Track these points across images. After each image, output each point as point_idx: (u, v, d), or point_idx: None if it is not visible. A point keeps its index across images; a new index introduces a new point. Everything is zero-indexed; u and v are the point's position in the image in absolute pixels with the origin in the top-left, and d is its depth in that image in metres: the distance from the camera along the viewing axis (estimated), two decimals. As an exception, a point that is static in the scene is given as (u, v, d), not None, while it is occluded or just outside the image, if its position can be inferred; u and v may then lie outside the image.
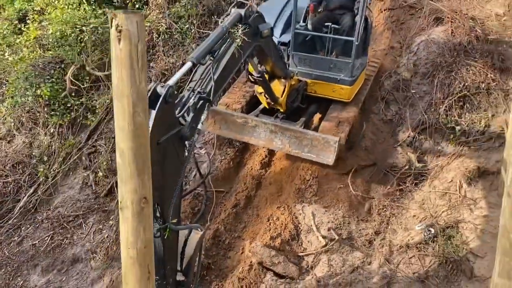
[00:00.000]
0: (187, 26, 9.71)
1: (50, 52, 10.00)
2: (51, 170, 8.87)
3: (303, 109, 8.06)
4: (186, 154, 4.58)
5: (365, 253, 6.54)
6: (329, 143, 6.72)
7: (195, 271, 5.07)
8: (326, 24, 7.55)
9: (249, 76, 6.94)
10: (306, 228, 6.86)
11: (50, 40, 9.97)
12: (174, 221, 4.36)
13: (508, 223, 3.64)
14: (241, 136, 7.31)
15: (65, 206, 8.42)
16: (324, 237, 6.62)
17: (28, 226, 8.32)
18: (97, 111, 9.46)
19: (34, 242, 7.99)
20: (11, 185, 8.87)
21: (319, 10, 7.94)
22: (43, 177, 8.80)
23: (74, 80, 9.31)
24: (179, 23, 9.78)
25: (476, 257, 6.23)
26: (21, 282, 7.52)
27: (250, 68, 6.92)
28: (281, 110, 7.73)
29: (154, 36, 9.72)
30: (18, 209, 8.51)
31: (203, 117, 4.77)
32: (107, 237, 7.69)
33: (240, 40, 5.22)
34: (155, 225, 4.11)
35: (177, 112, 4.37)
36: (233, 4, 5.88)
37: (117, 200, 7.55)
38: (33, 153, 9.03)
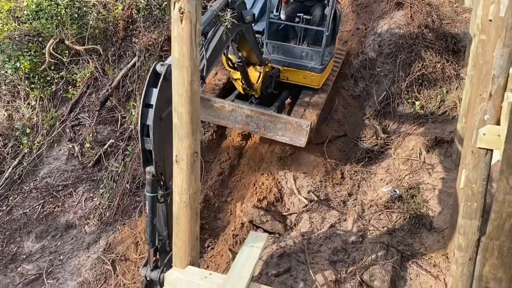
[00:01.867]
0: (165, 2, 10.02)
1: (26, 25, 10.01)
2: (35, 142, 9.05)
3: (276, 95, 8.54)
4: None
5: (340, 212, 7.43)
6: (301, 126, 7.31)
7: None
8: (298, 14, 8.04)
9: (228, 62, 7.31)
10: (288, 192, 7.65)
11: (25, 13, 9.96)
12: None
13: (471, 175, 4.56)
14: (219, 120, 7.76)
15: (52, 177, 8.69)
16: (305, 198, 7.44)
17: (16, 196, 8.53)
18: (77, 85, 9.66)
19: (24, 211, 8.25)
20: (-6, 157, 8.98)
21: (291, 1, 8.37)
22: (27, 149, 8.97)
23: (54, 53, 9.43)
24: (158, -1, 10.07)
25: (434, 213, 7.28)
26: (15, 249, 7.81)
27: (231, 55, 7.26)
28: (256, 96, 8.21)
29: (133, 12, 9.96)
30: (4, 180, 8.67)
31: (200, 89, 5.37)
32: (99, 204, 8.10)
33: (229, 23, 5.67)
34: (159, 192, 4.56)
35: None
36: None
37: (106, 170, 7.99)
38: (15, 126, 9.15)
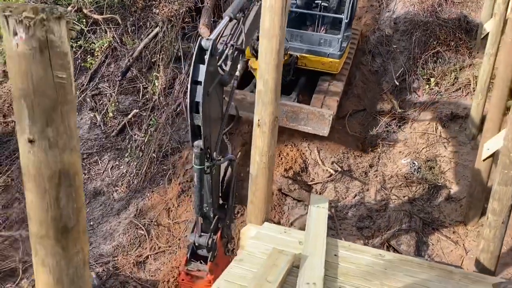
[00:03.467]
0: (184, -27, 10.01)
1: (41, -8, 9.89)
2: (56, 110, 9.09)
3: (294, 82, 8.53)
4: (226, 98, 5.15)
5: (363, 182, 7.79)
6: (324, 116, 7.37)
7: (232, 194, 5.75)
8: (316, 1, 7.97)
9: (253, 51, 7.30)
10: (312, 162, 7.95)
11: (41, -20, 9.84)
12: (220, 157, 5.02)
13: (509, 145, 4.90)
14: (240, 112, 7.57)
15: (76, 145, 8.78)
16: (330, 169, 7.75)
17: (39, 163, 8.62)
18: (95, 54, 9.66)
19: (51, 178, 8.36)
20: (11, 124, 9.00)
21: None
22: (49, 117, 9.02)
23: (77, 22, 9.39)
24: (175, -30, 10.04)
25: (451, 183, 7.70)
26: (44, 214, 7.96)
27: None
28: None
29: (152, -18, 9.93)
30: (26, 147, 8.73)
31: (239, 66, 5.36)
32: (126, 172, 8.27)
33: None
34: (206, 163, 4.69)
35: (217, 59, 4.76)
36: None
37: (130, 139, 8.09)
38: (36, 94, 9.16)
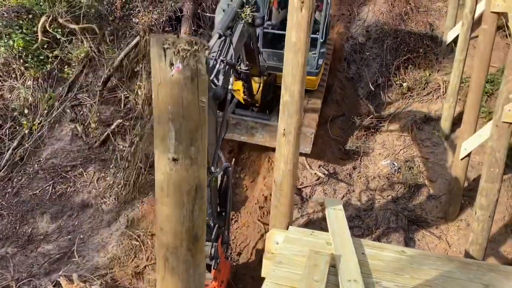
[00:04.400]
0: (160, -17, 10.05)
1: (12, 0, 9.62)
2: (35, 123, 8.86)
3: (273, 100, 8.50)
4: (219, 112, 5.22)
5: (348, 184, 8.15)
6: (305, 134, 7.54)
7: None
8: None
9: (238, 69, 7.17)
10: (300, 167, 8.21)
11: (11, -12, 9.57)
12: (218, 169, 5.12)
13: (495, 145, 5.37)
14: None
15: (58, 157, 8.60)
16: (319, 172, 8.06)
17: (20, 178, 8.38)
18: (73, 64, 9.50)
19: (34, 192, 8.15)
20: (-10, 139, 8.70)
21: (281, 7, 8.37)
22: (27, 130, 8.78)
23: (51, 31, 9.21)
24: (152, -21, 10.06)
25: (430, 182, 8.21)
26: (30, 230, 7.75)
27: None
28: (257, 105, 8.28)
29: (128, -9, 9.90)
30: (5, 162, 8.47)
31: (231, 79, 5.34)
32: (112, 183, 8.19)
33: (250, 17, 5.85)
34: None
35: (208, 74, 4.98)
36: None
37: (114, 150, 8.06)
38: (12, 106, 8.89)
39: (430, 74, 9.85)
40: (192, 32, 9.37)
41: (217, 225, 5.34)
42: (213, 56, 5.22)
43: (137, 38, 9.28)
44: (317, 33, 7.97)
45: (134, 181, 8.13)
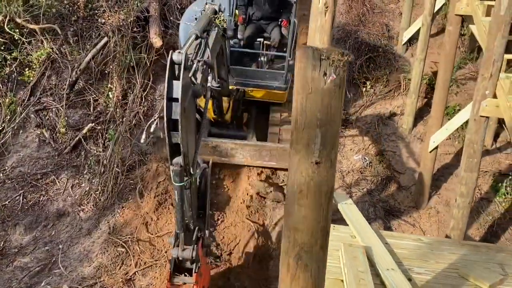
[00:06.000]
0: (123, -19, 9.80)
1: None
2: (-4, 129, 8.36)
3: (247, 113, 8.71)
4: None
5: (325, 179, 8.46)
6: (286, 151, 7.47)
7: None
8: (258, 39, 8.10)
9: (210, 86, 7.27)
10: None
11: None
12: (197, 170, 5.06)
13: (473, 137, 5.88)
14: (203, 157, 7.41)
15: (25, 165, 8.18)
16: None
17: (-16, 188, 7.88)
18: (33, 67, 9.04)
19: (3, 203, 7.69)
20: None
21: (246, 22, 8.37)
22: (-12, 137, 8.26)
23: (10, 32, 8.71)
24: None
25: (400, 174, 8.74)
26: (2, 243, 7.32)
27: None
28: (228, 122, 8.20)
29: (90, -10, 9.58)
30: (-34, 172, 7.93)
31: (209, 78, 5.41)
32: (88, 189, 7.92)
33: (224, 23, 5.95)
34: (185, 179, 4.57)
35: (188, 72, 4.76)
36: (206, 2, 6.30)
37: (86, 155, 7.83)
38: (-30, 112, 8.32)
39: (390, 72, 10.42)
40: (162, 33, 9.25)
41: (197, 228, 5.31)
42: (189, 57, 5.08)
43: (105, 39, 9.01)
44: (285, 49, 8.05)
45: (112, 186, 7.91)
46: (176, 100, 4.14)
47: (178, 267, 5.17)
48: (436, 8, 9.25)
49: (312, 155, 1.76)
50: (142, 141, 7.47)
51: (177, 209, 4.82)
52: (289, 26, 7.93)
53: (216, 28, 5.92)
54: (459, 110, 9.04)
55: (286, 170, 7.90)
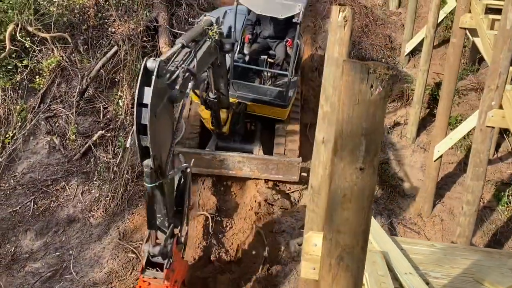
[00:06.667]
0: (133, -8, 9.98)
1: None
2: (7, 136, 8.45)
3: (252, 127, 8.89)
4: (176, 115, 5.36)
5: (331, 187, 8.60)
6: (293, 164, 7.86)
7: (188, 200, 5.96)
8: (262, 56, 8.29)
9: (206, 98, 7.33)
10: (286, 172, 8.53)
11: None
12: (171, 172, 5.20)
13: (479, 147, 6.03)
14: (211, 170, 7.90)
15: (36, 171, 8.26)
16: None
17: (-5, 194, 7.96)
18: (44, 74, 9.16)
19: (14, 209, 7.77)
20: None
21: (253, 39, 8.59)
22: (0, 144, 8.35)
23: (22, 40, 8.84)
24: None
25: (404, 182, 8.90)
26: (13, 248, 7.39)
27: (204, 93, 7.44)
28: (226, 134, 8.26)
29: (101, 0, 9.74)
30: (-24, 178, 8.01)
31: (190, 85, 5.27)
32: (98, 196, 8.02)
33: (217, 35, 6.01)
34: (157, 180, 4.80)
35: (167, 77, 4.82)
36: (204, 14, 6.67)
37: (96, 162, 7.94)
38: (-18, 119, 8.41)
39: (393, 83, 10.61)
40: (171, 42, 9.41)
41: (172, 225, 5.47)
42: (175, 64, 5.26)
43: (115, 48, 9.15)
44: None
45: (122, 192, 8.01)
46: (146, 105, 4.29)
47: (152, 261, 5.33)
48: (438, 21, 9.47)
49: (357, 162, 1.90)
50: (128, 145, 7.56)
51: (147, 209, 5.07)
52: (293, 45, 8.04)
53: (209, 40, 6.02)
54: (461, 120, 9.25)
55: (292, 183, 8.09)
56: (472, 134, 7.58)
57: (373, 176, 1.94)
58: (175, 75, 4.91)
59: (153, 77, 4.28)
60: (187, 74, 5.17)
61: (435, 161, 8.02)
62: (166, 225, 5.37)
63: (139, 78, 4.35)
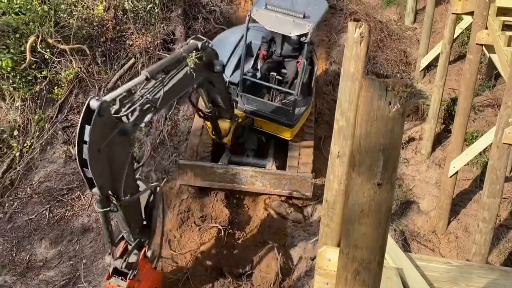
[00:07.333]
0: (150, 5, 10.15)
1: (-2, 19, 9.35)
2: (25, 145, 8.60)
3: (264, 142, 8.82)
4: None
5: (345, 202, 8.55)
6: (306, 180, 7.82)
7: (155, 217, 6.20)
8: (272, 73, 8.23)
9: (199, 113, 7.36)
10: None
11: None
12: (127, 197, 5.25)
13: (496, 164, 5.97)
14: (223, 184, 7.89)
15: (52, 180, 8.38)
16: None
17: (12, 202, 8.07)
18: (62, 85, 9.34)
19: (29, 217, 7.87)
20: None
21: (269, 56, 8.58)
22: (18, 152, 8.50)
23: (42, 51, 9.03)
24: (142, 0, 10.15)
25: (419, 198, 8.81)
26: (28, 256, 7.47)
27: (202, 104, 7.40)
28: (227, 145, 8.27)
29: (119, 14, 9.92)
30: (-6, 186, 8.14)
31: (147, 118, 5.20)
32: (113, 206, 8.07)
33: (193, 62, 5.84)
34: (112, 204, 5.00)
35: (123, 110, 4.87)
36: (192, 37, 6.42)
37: None
38: (1, 128, 8.57)
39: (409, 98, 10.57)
40: (187, 55, 9.51)
41: (137, 239, 5.78)
42: (139, 94, 5.21)
43: (132, 60, 9.31)
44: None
45: (135, 203, 8.05)
46: (86, 142, 4.41)
47: (120, 270, 5.66)
48: (454, 36, 9.45)
49: (375, 177, 1.90)
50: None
51: (103, 229, 5.37)
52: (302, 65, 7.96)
53: (188, 67, 5.88)
54: (477, 136, 9.16)
55: (305, 199, 8.06)
56: (488, 151, 7.52)
57: (390, 192, 1.95)
58: (132, 108, 4.92)
59: (93, 117, 4.35)
60: (147, 106, 5.14)
61: (450, 177, 7.94)
62: (132, 239, 5.68)
63: (81, 116, 4.41)
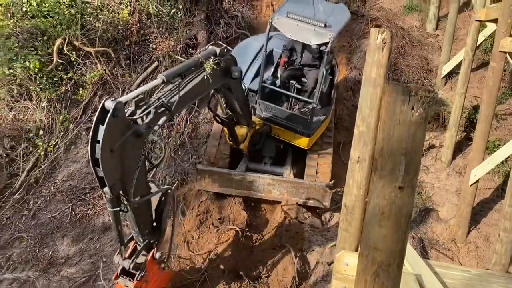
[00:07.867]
0: (174, 10, 10.33)
1: (25, 22, 9.63)
2: (50, 144, 8.83)
3: (282, 150, 8.80)
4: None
5: (363, 208, 8.53)
6: (324, 189, 7.78)
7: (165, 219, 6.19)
8: (291, 81, 8.22)
9: (216, 118, 7.46)
10: (317, 191, 8.52)
11: (23, 9, 9.57)
12: (137, 199, 5.21)
13: (518, 173, 5.89)
14: (240, 191, 7.92)
15: (75, 179, 8.58)
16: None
17: (36, 200, 8.29)
18: (87, 87, 9.56)
19: (53, 215, 8.07)
20: (4, 159, 8.58)
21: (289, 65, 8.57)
22: (43, 152, 8.73)
23: (68, 53, 9.27)
24: (166, 5, 10.34)
25: (438, 206, 8.72)
26: (50, 253, 7.66)
27: (219, 110, 7.47)
28: (244, 152, 8.31)
29: (143, 18, 10.12)
30: (20, 183, 8.36)
31: (161, 121, 5.20)
32: (133, 206, 8.21)
33: (210, 68, 5.90)
34: (122, 204, 4.98)
35: (138, 112, 4.92)
36: (211, 43, 6.57)
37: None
38: (27, 127, 8.82)
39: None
40: (209, 59, 9.64)
41: (146, 240, 5.81)
42: (156, 96, 5.29)
43: (156, 63, 9.48)
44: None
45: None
46: (99, 142, 4.47)
47: (128, 271, 5.69)
48: (477, 43, 9.36)
49: (396, 181, 1.94)
50: None
51: (113, 229, 5.34)
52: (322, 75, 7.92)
53: (204, 72, 5.94)
54: (499, 145, 9.04)
55: (322, 209, 8.04)
56: (510, 160, 7.42)
57: (411, 195, 1.99)
58: (147, 110, 4.97)
59: (108, 117, 4.42)
60: (161, 109, 5.19)
61: (471, 185, 7.86)
62: (141, 240, 5.72)
63: (96, 116, 4.50)
